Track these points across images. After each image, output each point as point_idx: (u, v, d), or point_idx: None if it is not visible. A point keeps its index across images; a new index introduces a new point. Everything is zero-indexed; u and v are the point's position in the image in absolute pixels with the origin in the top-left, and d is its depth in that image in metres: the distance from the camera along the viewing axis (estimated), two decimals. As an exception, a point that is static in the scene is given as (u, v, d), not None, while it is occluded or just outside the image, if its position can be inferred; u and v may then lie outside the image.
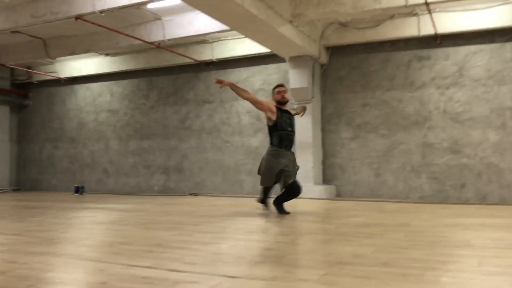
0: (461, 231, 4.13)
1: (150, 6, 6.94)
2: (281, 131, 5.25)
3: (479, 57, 7.60)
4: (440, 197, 7.68)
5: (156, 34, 7.94)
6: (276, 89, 5.53)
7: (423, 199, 7.75)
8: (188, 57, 9.14)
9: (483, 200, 7.40)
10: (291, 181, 5.14)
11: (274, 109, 5.31)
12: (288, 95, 5.57)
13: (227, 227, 4.49)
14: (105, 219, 5.33)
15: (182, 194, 9.37)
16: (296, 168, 5.42)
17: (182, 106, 9.93)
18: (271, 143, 5.32)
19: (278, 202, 5.28)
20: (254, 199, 6.66)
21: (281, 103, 5.43)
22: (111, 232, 4.33)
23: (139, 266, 2.71)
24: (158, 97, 10.24)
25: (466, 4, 7.08)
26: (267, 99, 8.86)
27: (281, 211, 5.26)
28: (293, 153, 5.45)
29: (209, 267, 2.79)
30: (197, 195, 9.02)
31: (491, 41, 7.53)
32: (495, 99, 7.45)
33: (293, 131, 5.40)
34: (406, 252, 3.21)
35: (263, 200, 5.66)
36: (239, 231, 4.23)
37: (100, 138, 10.90)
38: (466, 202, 7.37)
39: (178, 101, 9.99)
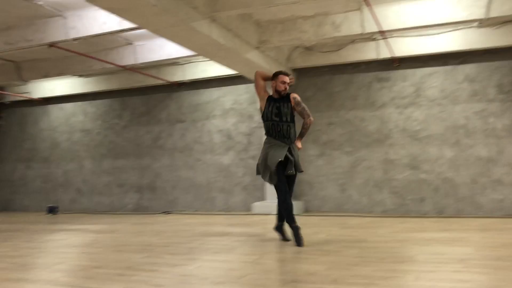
0: (409, 246, 4.51)
1: (121, 32, 7.21)
2: (266, 122, 4.83)
3: (434, 78, 8.12)
4: (401, 211, 8.13)
5: (128, 58, 8.19)
6: (280, 77, 4.80)
7: (385, 213, 8.17)
8: (160, 79, 9.42)
9: (440, 213, 7.87)
10: (290, 171, 4.71)
11: (265, 99, 4.87)
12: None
13: (196, 247, 4.77)
14: (79, 242, 5.52)
15: (155, 212, 9.57)
16: (291, 160, 4.74)
17: (154, 125, 10.18)
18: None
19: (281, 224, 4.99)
20: (225, 216, 6.92)
21: (279, 93, 4.84)
22: (84, 255, 4.54)
23: (110, 290, 2.97)
24: (131, 117, 10.46)
25: (420, 30, 7.57)
26: (243, 112, 9.26)
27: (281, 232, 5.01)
28: (285, 144, 4.75)
29: (175, 288, 3.08)
30: (170, 213, 9.25)
31: (445, 63, 8.08)
32: (449, 118, 7.97)
33: (281, 120, 4.74)
34: (356, 268, 3.55)
35: (279, 227, 5.03)
36: (207, 252, 4.51)
37: (74, 158, 11.02)
38: (425, 215, 7.82)
39: (151, 120, 10.23)
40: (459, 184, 7.83)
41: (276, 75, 4.87)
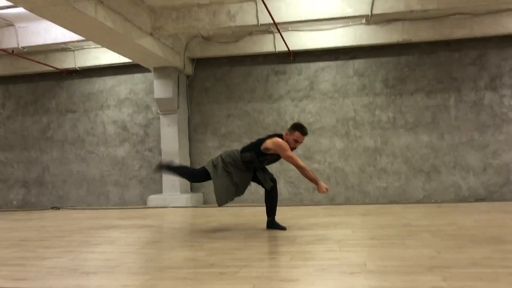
0: (294, 231, 4.62)
1: (-1, 11, 6.57)
2: (261, 160, 4.71)
3: (326, 72, 8.47)
4: (296, 200, 8.39)
5: (9, 41, 7.51)
6: (296, 135, 4.66)
7: (281, 202, 8.29)
8: (48, 65, 8.76)
9: (332, 201, 8.24)
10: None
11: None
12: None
13: (75, 241, 4.47)
14: None
15: (43, 208, 8.91)
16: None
17: (43, 115, 9.46)
18: (241, 153, 4.75)
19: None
20: (119, 210, 6.58)
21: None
22: None
23: (-43, 287, 2.66)
24: (16, 106, 9.62)
25: (313, 25, 7.85)
26: (140, 102, 8.91)
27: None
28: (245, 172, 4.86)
29: (39, 281, 2.84)
30: (59, 208, 8.66)
31: (336, 58, 8.45)
32: (340, 111, 8.37)
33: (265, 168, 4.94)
34: (236, 253, 3.55)
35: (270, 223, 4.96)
36: (86, 244, 4.25)
37: None
38: (317, 203, 8.15)
39: (39, 110, 9.49)
40: (348, 173, 8.26)
41: (294, 129, 4.72)
